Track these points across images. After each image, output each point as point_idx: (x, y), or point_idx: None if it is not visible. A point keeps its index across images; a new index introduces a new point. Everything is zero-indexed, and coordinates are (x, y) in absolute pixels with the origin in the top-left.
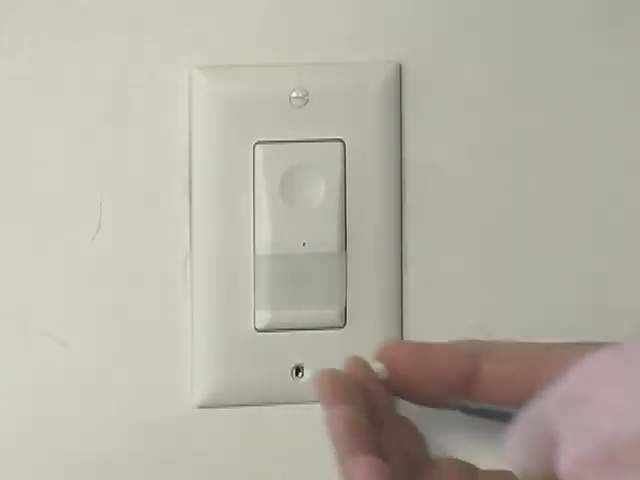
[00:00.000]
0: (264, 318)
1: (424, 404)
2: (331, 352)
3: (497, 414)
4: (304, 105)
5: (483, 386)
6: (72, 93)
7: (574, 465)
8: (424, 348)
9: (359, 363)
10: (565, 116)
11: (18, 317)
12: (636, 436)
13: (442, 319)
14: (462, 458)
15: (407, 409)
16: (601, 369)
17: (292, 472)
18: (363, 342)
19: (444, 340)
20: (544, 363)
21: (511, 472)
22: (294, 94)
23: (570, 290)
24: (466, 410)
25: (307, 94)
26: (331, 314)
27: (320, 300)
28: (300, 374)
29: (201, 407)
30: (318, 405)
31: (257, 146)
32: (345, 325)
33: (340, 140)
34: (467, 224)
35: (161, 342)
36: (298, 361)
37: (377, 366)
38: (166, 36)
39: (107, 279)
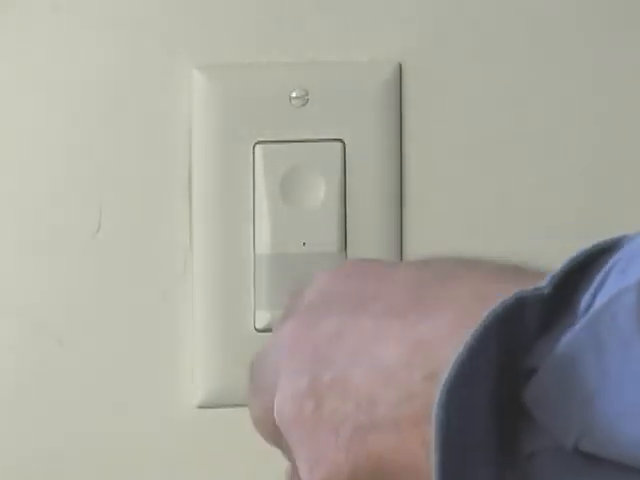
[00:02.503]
0: (264, 318)
1: None
2: None
3: None
4: (304, 105)
5: None
6: (72, 93)
7: (282, 401)
8: None
9: None
10: (565, 116)
11: (18, 317)
12: (333, 380)
13: None
14: None
15: None
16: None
17: None
18: None
19: None
20: None
21: None
22: (294, 94)
23: None
24: None
25: (307, 94)
26: None
27: None
28: None
29: (201, 407)
30: None
31: (257, 146)
32: None
33: (340, 140)
34: (467, 224)
35: (161, 342)
36: None
37: None
38: (166, 36)
39: (107, 279)
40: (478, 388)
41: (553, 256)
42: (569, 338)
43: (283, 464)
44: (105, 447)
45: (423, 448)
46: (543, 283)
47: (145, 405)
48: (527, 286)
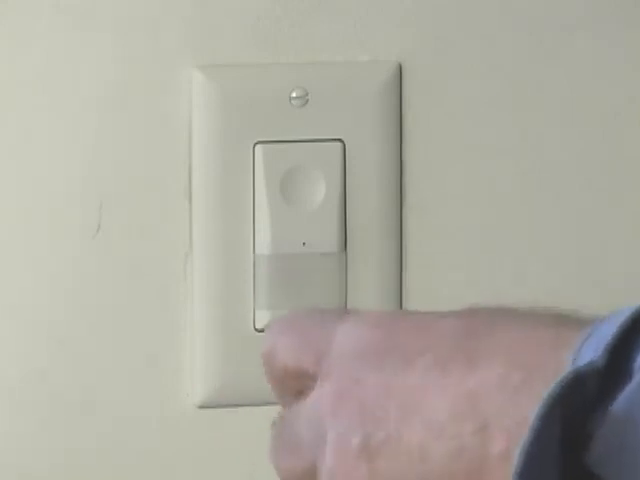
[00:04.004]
0: (264, 318)
1: None
2: None
3: None
4: (304, 105)
5: None
6: (72, 93)
7: (333, 460)
8: None
9: None
10: (565, 116)
11: (18, 317)
12: (386, 438)
13: None
14: None
15: None
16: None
17: None
18: None
19: None
20: None
21: None
22: (294, 94)
23: (572, 292)
24: None
25: (307, 94)
26: None
27: (320, 300)
28: None
29: (201, 407)
30: None
31: (257, 146)
32: None
33: (340, 140)
34: (467, 224)
35: (161, 342)
36: None
37: None
38: (166, 36)
39: (107, 279)
40: (546, 468)
41: (552, 257)
42: (627, 395)
43: None
44: (104, 447)
45: None
46: (597, 353)
47: (145, 405)
48: (566, 332)
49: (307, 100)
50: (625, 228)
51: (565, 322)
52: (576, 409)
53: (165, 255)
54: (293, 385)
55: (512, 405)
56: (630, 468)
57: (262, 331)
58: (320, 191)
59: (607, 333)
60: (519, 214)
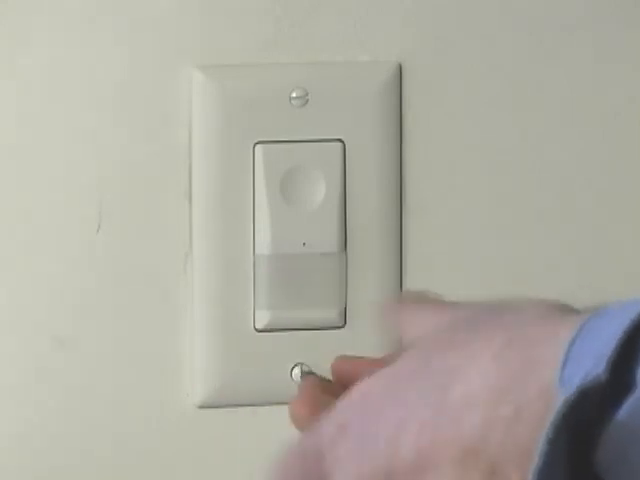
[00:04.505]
0: (264, 318)
1: None
2: (331, 352)
3: None
4: (304, 105)
5: None
6: (72, 93)
7: None
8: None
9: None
10: (565, 116)
11: (18, 317)
12: (415, 459)
13: None
14: None
15: None
16: (378, 391)
17: None
18: (362, 342)
19: None
20: None
21: None
22: (294, 94)
23: (572, 292)
24: None
25: (307, 94)
26: (331, 314)
27: (320, 300)
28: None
29: (201, 407)
30: None
31: (257, 146)
32: (345, 325)
33: (340, 140)
34: (467, 224)
35: (161, 342)
36: (298, 361)
37: None
38: (166, 36)
39: (107, 279)
40: None
41: (553, 257)
42: (630, 406)
43: None
44: (104, 447)
45: None
46: (600, 369)
47: (145, 405)
48: (546, 348)
49: (307, 100)
50: (625, 228)
51: (547, 331)
52: (581, 421)
53: (165, 255)
54: None
55: (510, 438)
56: (635, 476)
57: (262, 331)
58: (320, 191)
59: (601, 344)
60: (519, 214)
